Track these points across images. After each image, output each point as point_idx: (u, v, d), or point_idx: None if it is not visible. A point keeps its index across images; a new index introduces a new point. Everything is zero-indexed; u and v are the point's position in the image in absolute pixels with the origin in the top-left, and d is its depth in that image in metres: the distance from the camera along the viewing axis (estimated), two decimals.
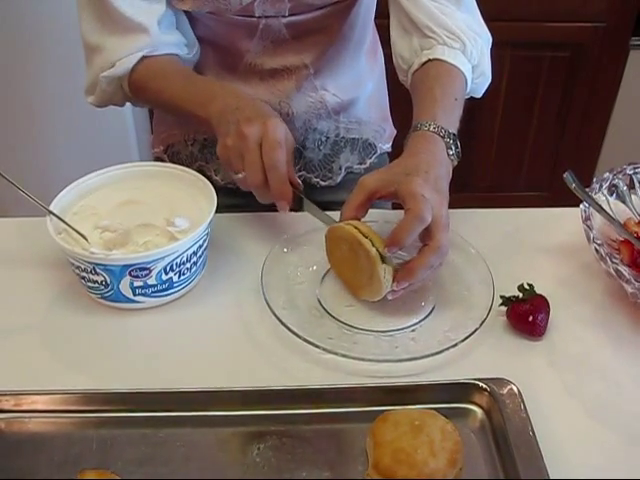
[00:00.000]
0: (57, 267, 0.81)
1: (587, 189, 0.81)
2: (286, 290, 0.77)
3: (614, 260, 0.73)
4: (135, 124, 1.90)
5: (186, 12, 0.93)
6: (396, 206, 0.77)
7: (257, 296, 0.76)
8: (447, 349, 0.69)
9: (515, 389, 0.63)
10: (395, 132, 1.14)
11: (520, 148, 2.20)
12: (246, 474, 0.59)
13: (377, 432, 0.59)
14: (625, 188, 0.85)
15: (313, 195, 0.80)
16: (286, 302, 0.75)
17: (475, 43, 0.87)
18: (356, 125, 1.06)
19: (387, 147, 1.12)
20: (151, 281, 0.74)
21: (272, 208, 0.79)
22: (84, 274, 0.74)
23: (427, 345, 0.70)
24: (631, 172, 0.85)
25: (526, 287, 0.74)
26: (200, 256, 0.78)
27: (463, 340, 0.70)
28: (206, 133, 1.01)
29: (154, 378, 0.68)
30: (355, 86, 1.03)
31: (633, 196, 0.85)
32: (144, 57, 0.88)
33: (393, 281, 0.71)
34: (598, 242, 0.75)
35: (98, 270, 0.72)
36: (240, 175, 0.76)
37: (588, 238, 0.76)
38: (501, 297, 0.75)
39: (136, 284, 0.74)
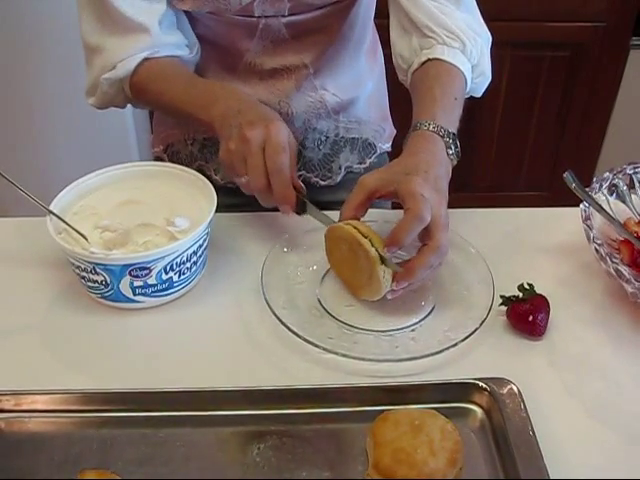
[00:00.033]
0: (57, 267, 0.81)
1: (587, 189, 0.81)
2: (286, 290, 0.77)
3: (614, 260, 0.73)
4: (135, 124, 1.90)
5: (186, 12, 0.92)
6: (395, 206, 0.77)
7: (257, 296, 0.76)
8: (447, 349, 0.69)
9: (515, 389, 0.63)
10: (395, 132, 1.14)
11: (520, 148, 2.20)
12: (246, 474, 0.59)
13: (377, 432, 0.59)
14: (625, 188, 0.85)
15: (313, 195, 0.80)
16: (286, 302, 0.75)
17: (475, 42, 0.87)
18: (356, 125, 1.06)
19: (387, 147, 1.12)
20: (151, 281, 0.74)
21: (272, 208, 0.79)
22: (84, 274, 0.74)
23: (427, 345, 0.70)
24: (631, 172, 0.85)
25: (526, 287, 0.74)
26: (200, 256, 0.78)
27: (463, 340, 0.70)
28: (206, 133, 1.01)
29: (154, 378, 0.68)
30: (355, 86, 1.03)
31: (633, 196, 0.85)
32: (145, 59, 0.87)
33: (393, 281, 0.71)
34: (598, 242, 0.75)
35: (98, 270, 0.72)
36: (243, 179, 0.76)
37: (588, 238, 0.76)
38: (501, 297, 0.75)
39: (136, 284, 0.74)
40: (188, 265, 0.76)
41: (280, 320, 0.72)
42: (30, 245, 0.86)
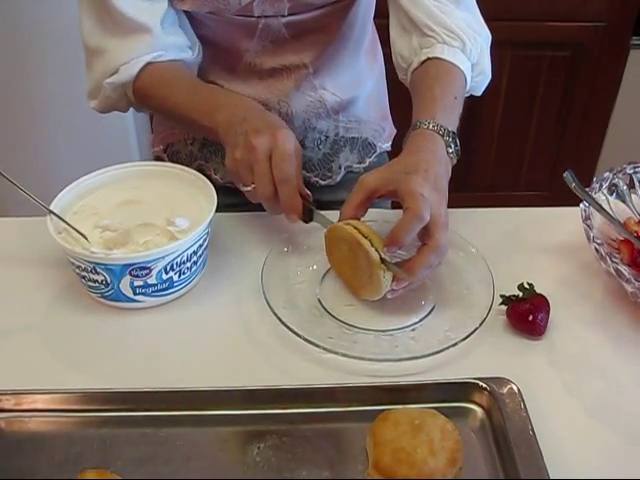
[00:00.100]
0: (57, 267, 0.81)
1: (587, 188, 0.81)
2: (286, 290, 0.77)
3: (614, 259, 0.73)
4: (135, 124, 1.90)
5: (185, 12, 0.92)
6: (395, 205, 0.77)
7: (257, 295, 0.76)
8: (447, 348, 0.69)
9: (515, 388, 0.63)
10: (395, 131, 1.14)
11: (520, 148, 2.20)
12: (246, 473, 0.59)
13: (377, 431, 0.59)
14: (625, 187, 0.85)
15: (312, 194, 0.80)
16: (286, 302, 0.75)
17: (474, 41, 0.87)
18: (355, 124, 1.06)
19: (387, 146, 1.12)
20: (151, 280, 0.74)
21: None
22: (84, 273, 0.74)
23: (427, 344, 0.70)
24: (631, 171, 0.85)
25: (526, 286, 0.74)
26: (200, 255, 0.78)
27: (463, 339, 0.70)
28: (208, 137, 1.01)
29: (154, 377, 0.68)
30: (354, 85, 1.03)
31: (633, 195, 0.85)
32: (148, 63, 0.87)
33: (392, 280, 0.71)
34: (598, 241, 0.75)
35: (98, 269, 0.72)
36: (249, 188, 0.76)
37: (588, 237, 0.76)
38: (501, 296, 0.75)
39: (136, 283, 0.74)
40: (188, 265, 0.76)
41: (280, 320, 0.72)
42: (30, 245, 0.86)
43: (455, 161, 0.79)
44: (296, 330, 0.71)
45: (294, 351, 0.71)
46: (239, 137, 0.75)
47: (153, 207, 0.80)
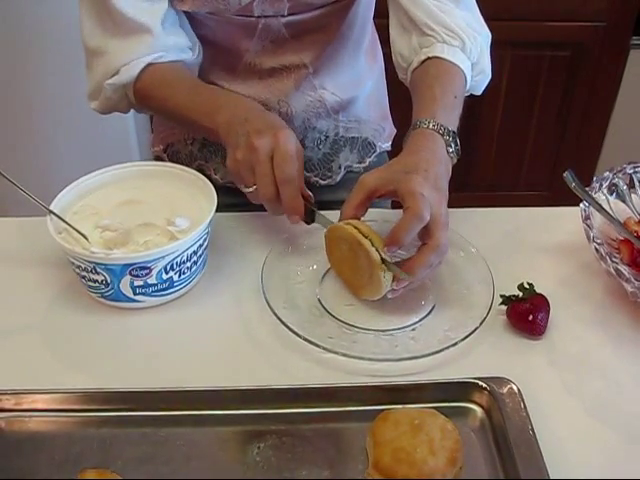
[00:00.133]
0: (57, 267, 0.81)
1: (587, 188, 0.81)
2: (286, 289, 0.77)
3: (614, 259, 0.73)
4: (136, 124, 1.90)
5: (185, 12, 0.92)
6: (395, 205, 0.77)
7: (257, 295, 0.76)
8: (447, 348, 0.69)
9: (515, 388, 0.63)
10: (395, 131, 1.14)
11: (520, 147, 2.20)
12: (246, 473, 0.59)
13: (377, 431, 0.59)
14: (625, 187, 0.85)
15: (312, 194, 0.80)
16: (286, 301, 0.75)
17: (474, 41, 0.87)
18: (355, 124, 1.06)
19: (386, 146, 1.12)
20: (151, 280, 0.74)
21: None
22: (84, 273, 0.74)
23: (427, 344, 0.70)
24: (631, 171, 0.85)
25: (526, 286, 0.74)
26: (200, 255, 0.78)
27: (463, 339, 0.70)
28: (209, 138, 1.01)
29: (154, 377, 0.68)
30: (354, 85, 1.03)
31: (633, 195, 0.85)
32: (149, 64, 0.87)
33: (393, 280, 0.71)
34: (598, 241, 0.75)
35: (98, 269, 0.72)
36: (251, 189, 0.76)
37: (588, 237, 0.76)
38: (501, 296, 0.75)
39: (136, 283, 0.74)
40: (188, 265, 0.76)
41: (280, 320, 0.72)
42: (30, 245, 0.86)
43: (455, 160, 0.79)
44: (296, 330, 0.71)
45: (294, 351, 0.71)
46: (240, 138, 0.75)
47: (153, 207, 0.80)
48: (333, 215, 0.78)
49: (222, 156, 1.03)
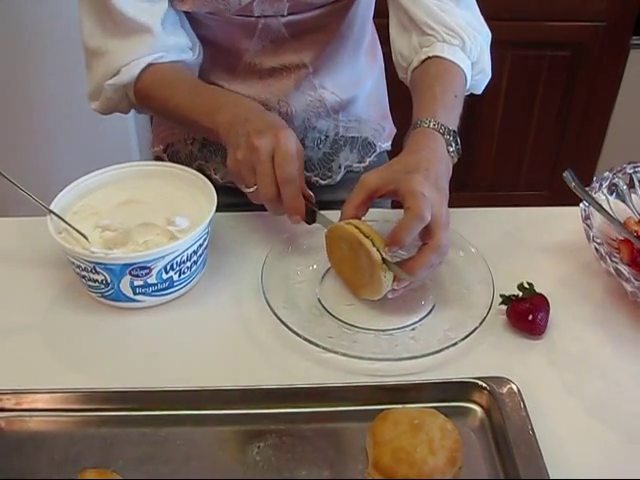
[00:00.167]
0: (57, 266, 0.81)
1: (587, 188, 0.81)
2: (286, 289, 0.77)
3: (614, 259, 0.73)
4: (136, 124, 1.90)
5: (185, 12, 0.92)
6: (396, 205, 0.77)
7: (257, 295, 0.76)
8: (447, 348, 0.69)
9: (515, 388, 0.63)
10: (395, 131, 1.14)
11: (520, 147, 2.20)
12: (246, 473, 0.59)
13: (377, 431, 0.59)
14: (625, 187, 0.85)
15: (313, 194, 0.80)
16: (286, 301, 0.75)
17: (474, 40, 0.87)
18: (355, 124, 1.06)
19: (386, 146, 1.12)
20: (151, 280, 0.74)
21: None
22: (84, 273, 0.74)
23: (427, 344, 0.70)
24: (631, 171, 0.85)
25: (526, 286, 0.74)
26: (200, 255, 0.78)
27: (463, 339, 0.70)
28: (209, 138, 1.01)
29: (154, 377, 0.68)
30: (354, 85, 1.03)
31: (633, 195, 0.85)
32: (150, 64, 0.87)
33: (393, 280, 0.71)
34: (598, 241, 0.75)
35: (98, 269, 0.72)
36: (252, 189, 0.76)
37: (588, 237, 0.76)
38: (501, 296, 0.75)
39: (136, 283, 0.74)
40: (188, 264, 0.76)
41: (280, 319, 0.72)
42: (30, 245, 0.86)
43: (456, 160, 0.79)
44: (296, 330, 0.71)
45: (294, 351, 0.71)
46: (241, 138, 0.75)
47: (153, 207, 0.80)
48: (333, 215, 0.78)
49: (222, 156, 1.03)
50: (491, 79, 0.94)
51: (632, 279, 0.71)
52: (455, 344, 0.70)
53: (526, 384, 0.64)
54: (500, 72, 1.99)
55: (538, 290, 0.74)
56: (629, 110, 2.13)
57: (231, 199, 0.87)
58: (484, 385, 0.64)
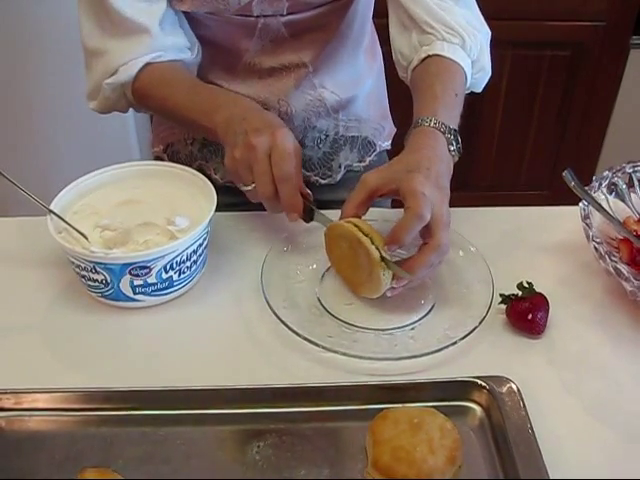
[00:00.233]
0: (57, 266, 0.81)
1: (586, 187, 0.81)
2: (286, 289, 0.77)
3: (613, 258, 0.73)
4: (135, 124, 1.90)
5: (185, 12, 0.92)
6: (396, 205, 0.77)
7: (257, 295, 0.76)
8: (446, 347, 0.69)
9: (514, 387, 0.63)
10: (394, 130, 1.14)
11: (520, 147, 2.20)
12: (246, 472, 0.59)
13: (376, 430, 0.59)
14: (624, 186, 0.85)
15: (313, 194, 0.80)
16: (286, 301, 0.75)
17: (474, 38, 0.87)
18: (355, 123, 1.06)
19: (386, 145, 1.12)
20: (151, 280, 0.74)
21: None
22: (84, 273, 0.74)
23: (426, 343, 0.70)
24: (630, 170, 0.85)
25: (525, 285, 0.74)
26: (200, 255, 0.78)
27: (462, 338, 0.70)
28: (208, 138, 1.01)
29: (154, 376, 0.68)
30: (354, 84, 1.03)
31: (632, 194, 0.85)
32: (148, 64, 0.87)
33: (392, 279, 0.71)
34: (597, 240, 0.75)
35: (98, 269, 0.73)
36: (249, 187, 0.76)
37: (587, 236, 0.76)
38: (500, 295, 0.75)
39: (136, 283, 0.74)
40: (188, 264, 0.76)
41: (280, 319, 0.72)
42: (30, 245, 0.86)
43: (457, 159, 0.79)
44: (296, 329, 0.71)
45: (294, 350, 0.71)
46: (238, 136, 0.75)
47: (153, 206, 0.80)
48: (334, 214, 0.78)
49: (222, 156, 1.02)
50: (491, 78, 0.94)
51: (631, 278, 0.71)
52: (455, 343, 0.70)
53: (525, 383, 0.64)
54: (500, 72, 1.99)
55: (538, 289, 0.74)
56: (629, 110, 2.13)
57: (231, 199, 0.87)
58: (483, 384, 0.64)
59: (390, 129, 1.13)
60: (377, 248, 0.70)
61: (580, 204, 0.79)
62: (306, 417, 0.64)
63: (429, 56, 0.86)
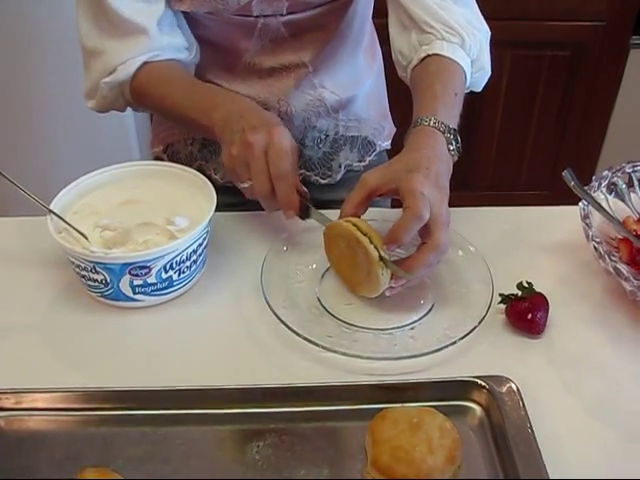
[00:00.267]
0: (57, 266, 0.81)
1: (586, 187, 0.81)
2: (286, 289, 0.77)
3: (613, 258, 0.73)
4: (135, 123, 1.90)
5: (184, 13, 0.92)
6: (395, 204, 0.77)
7: (257, 295, 0.76)
8: (446, 347, 0.69)
9: (514, 387, 0.63)
10: (394, 130, 1.14)
11: (520, 147, 2.20)
12: (246, 472, 0.59)
13: (376, 430, 0.59)
14: (624, 186, 0.85)
15: (312, 193, 0.80)
16: (286, 300, 0.75)
17: (474, 37, 0.87)
18: (355, 123, 1.06)
19: (386, 145, 1.12)
20: (151, 279, 0.74)
21: None
22: (84, 273, 0.74)
23: (426, 343, 0.70)
24: (630, 170, 0.85)
25: (525, 285, 0.74)
26: (200, 255, 0.78)
27: (462, 338, 0.70)
28: (207, 136, 1.01)
29: (154, 376, 0.68)
30: (353, 84, 1.03)
31: (632, 194, 0.85)
32: (145, 63, 0.87)
33: (391, 278, 0.71)
34: (597, 240, 0.75)
35: (98, 269, 0.73)
36: (246, 184, 0.76)
37: (587, 236, 0.76)
38: (500, 295, 0.75)
39: (136, 283, 0.74)
40: (188, 264, 0.76)
41: (280, 319, 0.72)
42: (30, 245, 0.86)
43: (456, 158, 0.79)
44: (296, 329, 0.71)
45: (294, 350, 0.71)
46: (235, 134, 0.75)
47: (153, 206, 0.80)
48: (333, 214, 0.78)
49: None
50: (491, 78, 0.94)
51: (631, 278, 0.71)
52: (454, 343, 0.70)
53: (525, 383, 0.64)
54: (500, 72, 1.99)
55: (537, 289, 0.74)
56: (629, 110, 2.13)
57: (231, 199, 0.87)
58: (483, 384, 0.64)
59: (390, 129, 1.13)
60: (376, 247, 0.70)
61: (580, 204, 0.79)
62: (306, 417, 0.64)
63: (429, 55, 0.86)
